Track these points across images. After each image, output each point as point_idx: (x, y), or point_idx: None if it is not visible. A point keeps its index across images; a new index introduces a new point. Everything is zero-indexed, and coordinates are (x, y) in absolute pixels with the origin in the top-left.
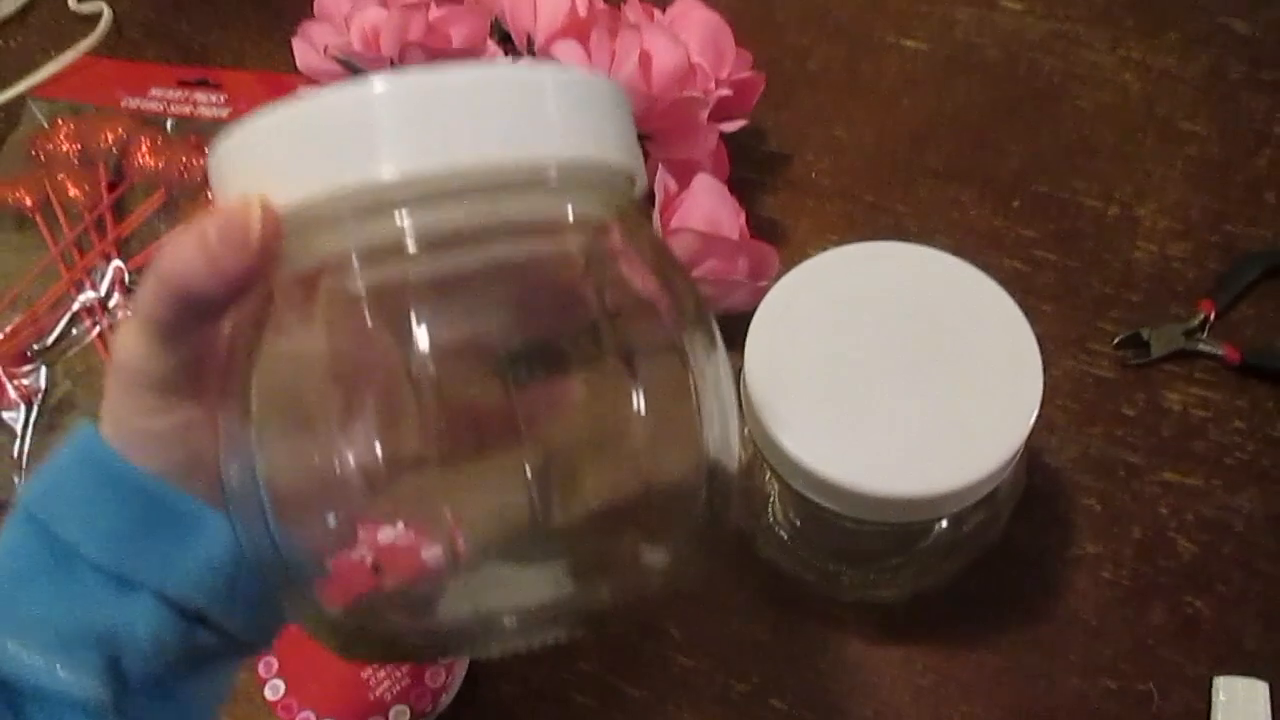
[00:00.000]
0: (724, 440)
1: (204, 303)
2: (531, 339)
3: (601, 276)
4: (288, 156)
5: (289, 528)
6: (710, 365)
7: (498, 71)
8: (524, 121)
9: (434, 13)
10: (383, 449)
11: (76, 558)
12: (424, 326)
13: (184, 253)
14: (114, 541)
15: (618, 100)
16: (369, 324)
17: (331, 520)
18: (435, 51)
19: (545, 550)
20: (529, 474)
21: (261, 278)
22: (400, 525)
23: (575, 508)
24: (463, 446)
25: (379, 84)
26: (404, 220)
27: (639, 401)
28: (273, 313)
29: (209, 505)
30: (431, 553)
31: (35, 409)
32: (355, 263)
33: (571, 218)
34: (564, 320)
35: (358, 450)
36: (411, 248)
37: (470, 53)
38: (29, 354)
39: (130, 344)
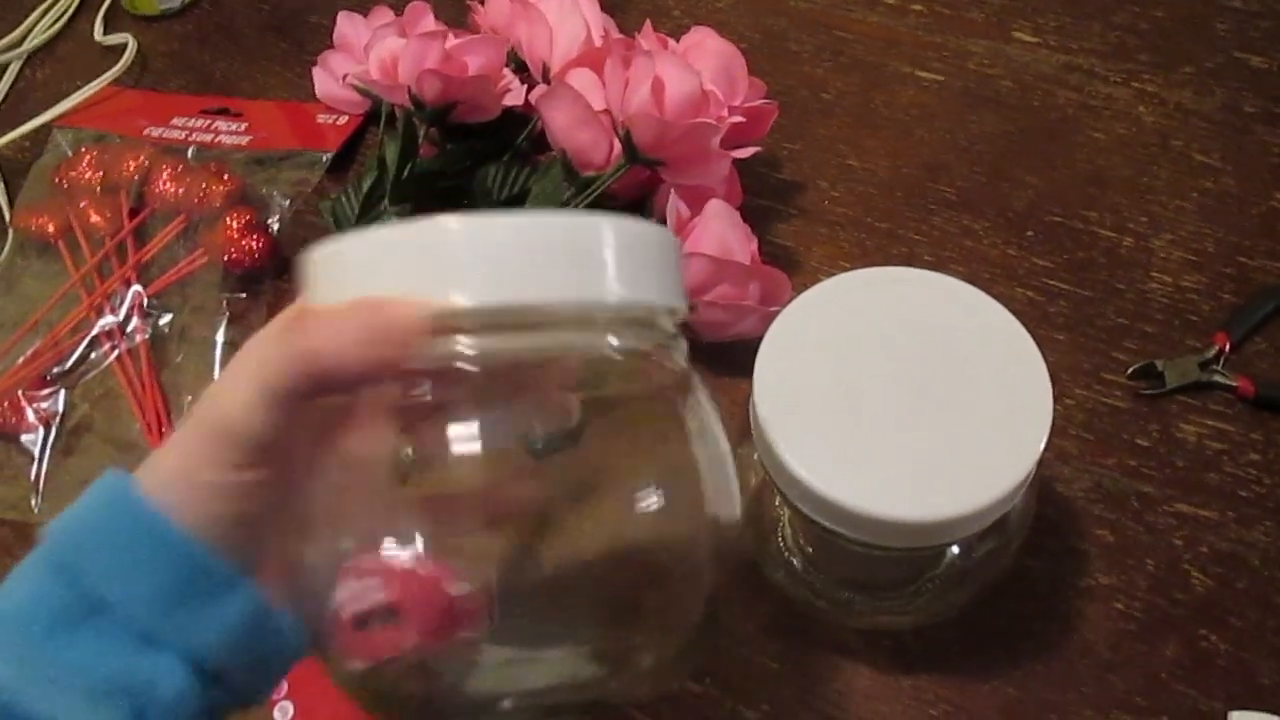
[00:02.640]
0: (723, 492)
1: (334, 384)
2: (557, 427)
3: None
4: (374, 274)
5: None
6: (696, 419)
7: (559, 220)
8: (579, 267)
9: (451, 42)
10: (432, 533)
11: (107, 612)
12: (473, 431)
13: (337, 334)
14: (148, 602)
15: (665, 246)
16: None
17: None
18: (452, 80)
19: (559, 631)
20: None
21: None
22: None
23: (586, 577)
24: (495, 523)
25: (457, 223)
26: (465, 343)
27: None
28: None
29: (240, 569)
30: (469, 623)
31: (53, 432)
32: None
33: (614, 349)
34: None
35: (402, 533)
36: (470, 366)
37: (486, 80)
38: (48, 378)
39: (239, 402)
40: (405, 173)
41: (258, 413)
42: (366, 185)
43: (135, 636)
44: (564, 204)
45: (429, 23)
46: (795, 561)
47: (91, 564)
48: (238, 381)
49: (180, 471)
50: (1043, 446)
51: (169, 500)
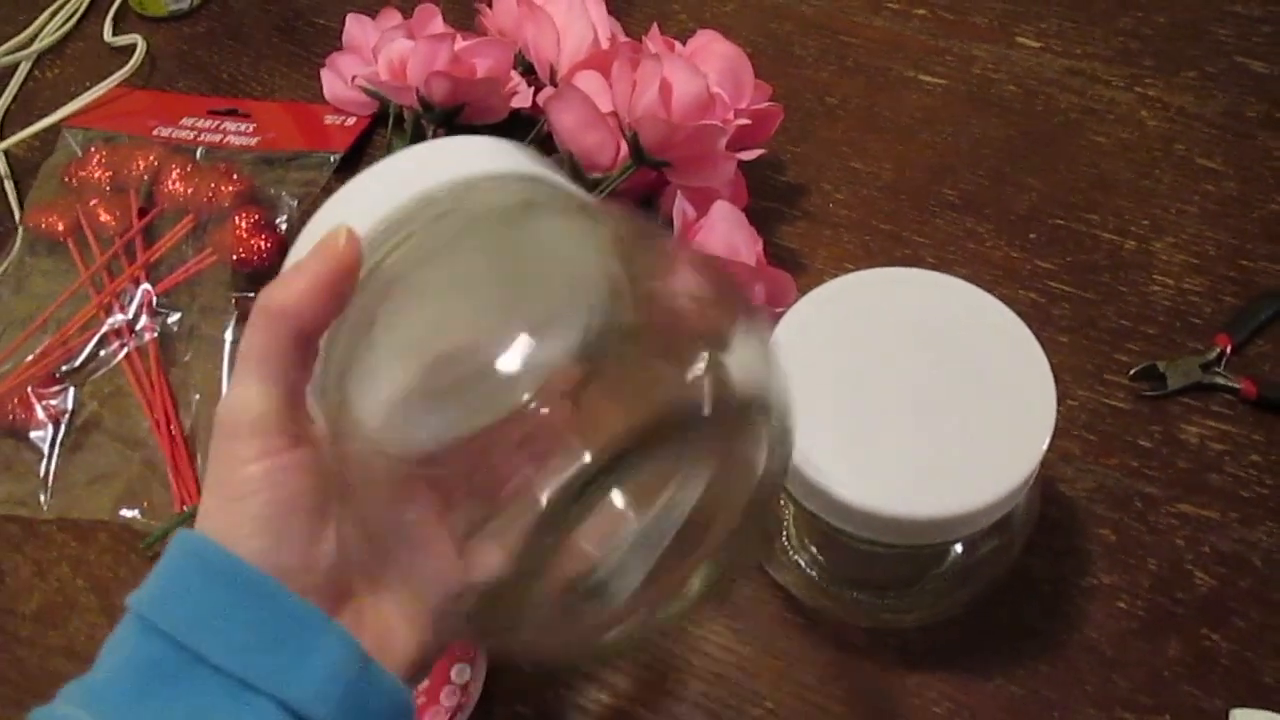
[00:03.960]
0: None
1: (308, 323)
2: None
3: None
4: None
5: None
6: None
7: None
8: None
9: (459, 44)
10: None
11: (201, 664)
12: None
13: (284, 283)
14: (240, 650)
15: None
16: None
17: None
18: (460, 81)
19: None
20: None
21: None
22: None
23: None
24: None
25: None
26: None
27: None
28: None
29: (327, 613)
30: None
31: (62, 429)
32: None
33: None
34: None
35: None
36: None
37: (494, 83)
38: (57, 375)
39: (244, 395)
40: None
41: (256, 392)
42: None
43: (233, 685)
44: None
45: (437, 25)
46: (800, 560)
47: (178, 618)
48: (236, 381)
49: (219, 488)
50: (1046, 446)
51: (235, 540)
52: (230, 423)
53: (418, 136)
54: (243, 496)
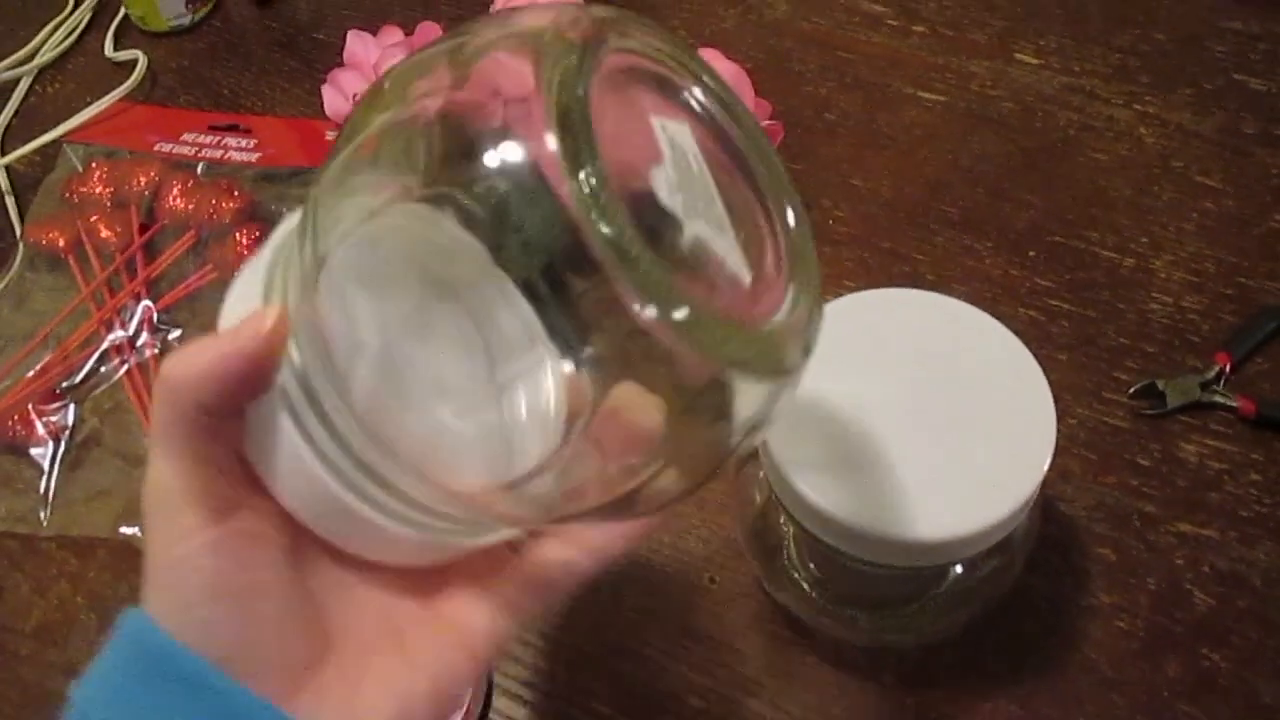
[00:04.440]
0: None
1: (210, 401)
2: None
3: None
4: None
5: None
6: None
7: None
8: None
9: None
10: None
11: None
12: None
13: (186, 355)
14: None
15: None
16: None
17: None
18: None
19: None
20: None
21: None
22: None
23: None
24: None
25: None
26: None
27: None
28: None
29: (283, 691)
30: None
31: (63, 445)
32: None
33: None
34: None
35: None
36: None
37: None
38: (58, 391)
39: (151, 469)
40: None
41: (175, 473)
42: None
43: None
44: None
45: None
46: (800, 579)
47: (118, 717)
48: (149, 457)
49: (161, 571)
50: (1046, 467)
51: (174, 619)
52: (148, 502)
53: None
54: (171, 581)
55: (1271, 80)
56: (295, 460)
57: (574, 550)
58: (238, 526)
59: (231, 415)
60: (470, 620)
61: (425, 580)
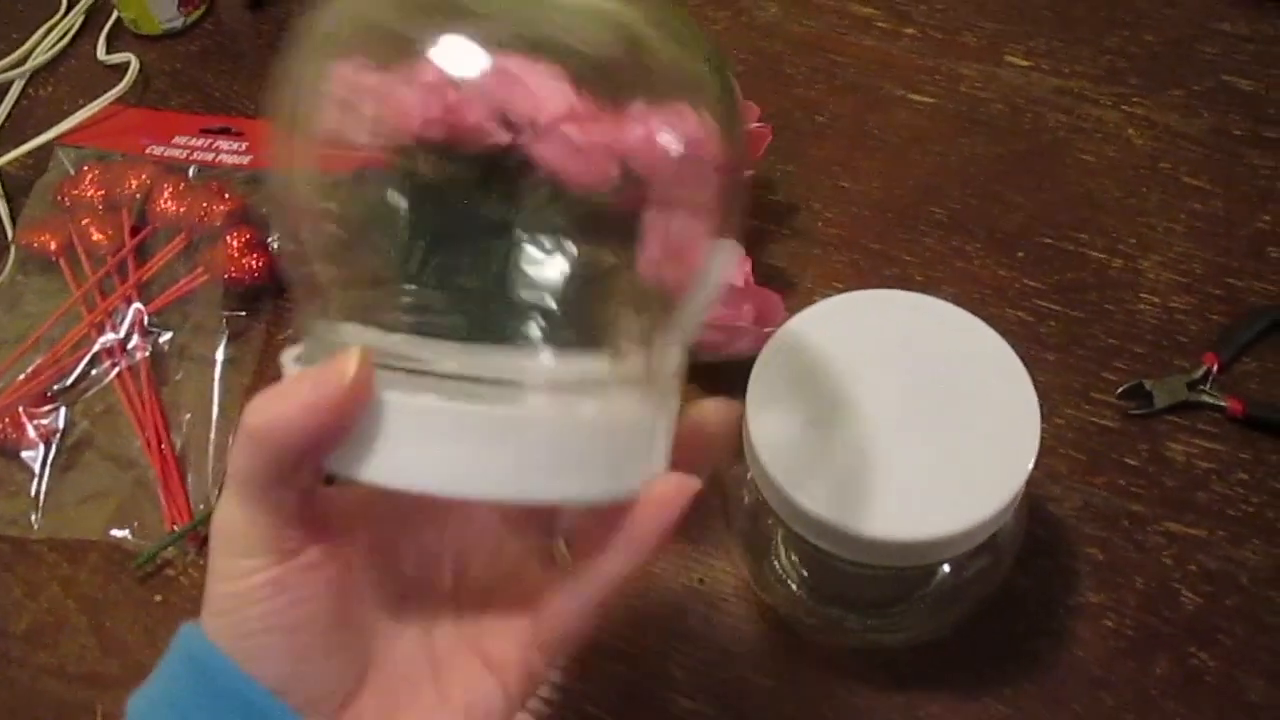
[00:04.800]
0: None
1: (292, 450)
2: None
3: None
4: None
5: None
6: None
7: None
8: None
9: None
10: None
11: None
12: None
13: (268, 402)
14: None
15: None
16: None
17: None
18: (452, 128)
19: None
20: None
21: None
22: None
23: None
24: None
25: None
26: None
27: None
28: None
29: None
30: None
31: (54, 448)
32: None
33: None
34: None
35: None
36: None
37: (481, 132)
38: (49, 394)
39: (224, 508)
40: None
41: (248, 520)
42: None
43: None
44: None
45: None
46: (789, 581)
47: None
48: (224, 495)
49: (219, 599)
50: (1031, 466)
51: (228, 638)
52: (217, 536)
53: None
54: (230, 609)
55: (1260, 81)
56: (427, 418)
57: (584, 590)
58: (297, 564)
59: (311, 464)
60: (504, 655)
61: (462, 614)
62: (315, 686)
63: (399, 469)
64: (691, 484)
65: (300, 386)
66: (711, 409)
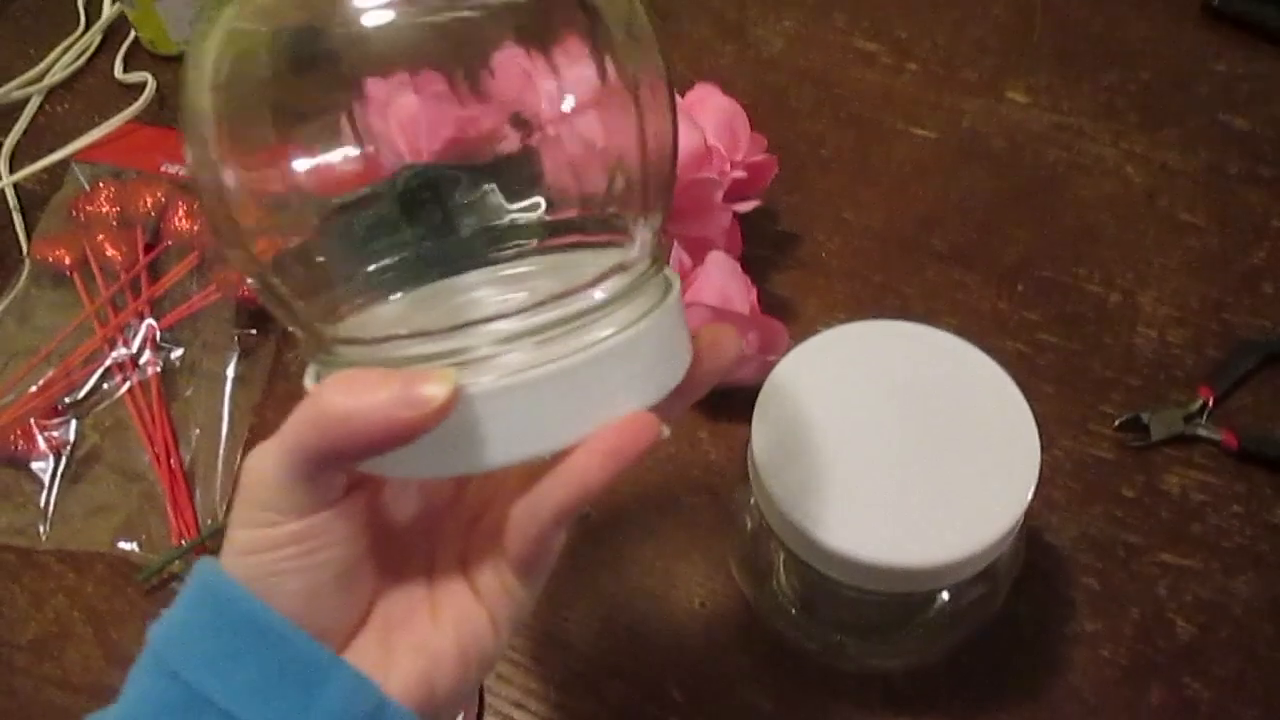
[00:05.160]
0: None
1: (358, 448)
2: None
3: None
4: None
5: None
6: None
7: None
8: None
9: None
10: None
11: (211, 707)
12: None
13: (356, 391)
14: (248, 694)
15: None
16: None
17: None
18: (462, 140)
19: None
20: None
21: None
22: None
23: None
24: None
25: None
26: None
27: None
28: None
29: (337, 654)
30: None
31: (63, 460)
32: None
33: None
34: None
35: None
36: None
37: (491, 139)
38: (60, 407)
39: (264, 468)
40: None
41: (278, 476)
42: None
43: None
44: None
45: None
46: (789, 604)
47: (189, 659)
48: (268, 444)
49: (238, 540)
50: (1030, 496)
51: (246, 572)
52: (252, 479)
53: None
54: (252, 547)
55: (1255, 120)
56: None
57: (537, 510)
58: (320, 518)
59: (363, 457)
60: (488, 583)
61: (454, 545)
62: (325, 621)
63: (488, 451)
64: (655, 429)
65: (389, 390)
66: (722, 330)
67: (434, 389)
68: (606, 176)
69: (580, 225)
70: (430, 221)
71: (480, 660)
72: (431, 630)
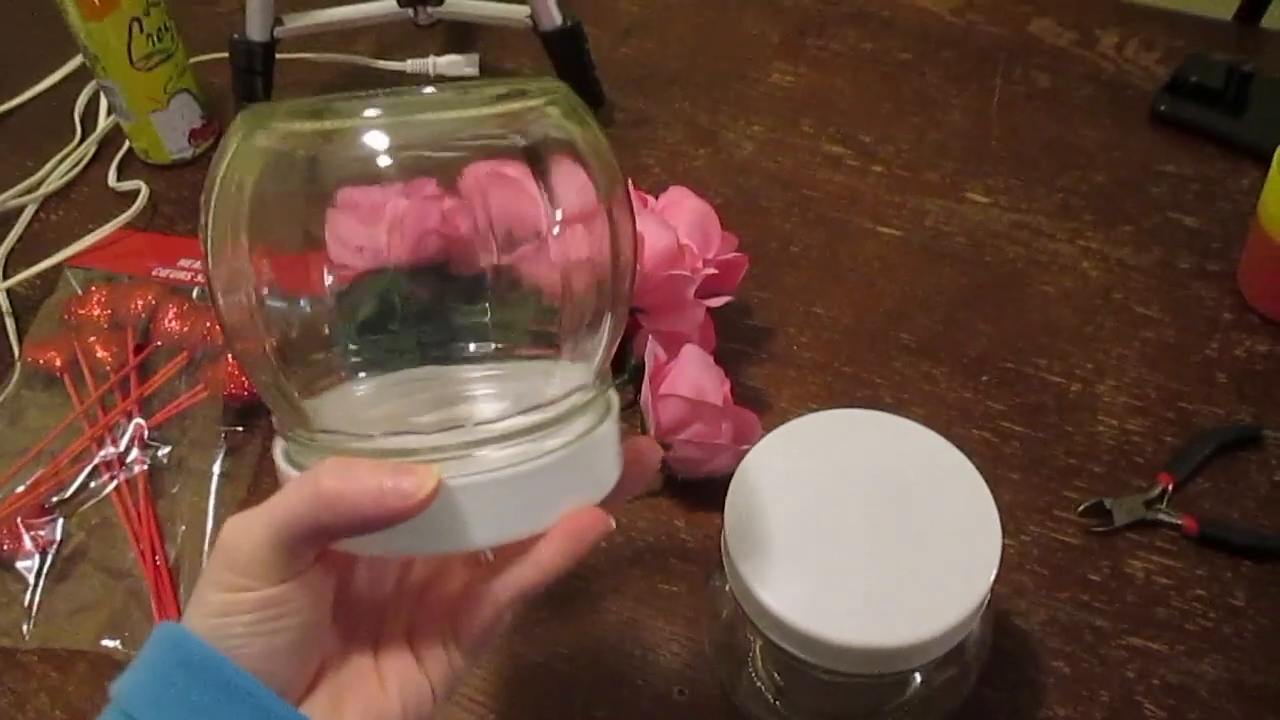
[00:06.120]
0: None
1: (344, 527)
2: None
3: None
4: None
5: None
6: None
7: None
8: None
9: (446, 204)
10: None
11: None
12: None
13: (351, 476)
14: None
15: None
16: None
17: None
18: (447, 237)
19: None
20: None
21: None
22: None
23: None
24: None
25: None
26: None
27: None
28: None
29: (300, 710)
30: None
31: (49, 559)
32: None
33: None
34: None
35: None
36: None
37: (472, 241)
38: (47, 506)
39: (250, 535)
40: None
41: (259, 542)
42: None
43: None
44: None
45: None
46: (766, 691)
47: (155, 716)
48: (252, 513)
49: (208, 602)
50: (993, 577)
51: (209, 635)
52: (231, 541)
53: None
54: (219, 610)
55: (1203, 218)
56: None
57: (498, 591)
58: (288, 586)
59: (346, 537)
60: (430, 652)
61: (401, 615)
62: (279, 683)
63: (462, 536)
64: (607, 522)
65: (380, 479)
66: (645, 442)
67: (420, 482)
68: (579, 298)
69: (547, 340)
70: (410, 319)
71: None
72: (379, 693)
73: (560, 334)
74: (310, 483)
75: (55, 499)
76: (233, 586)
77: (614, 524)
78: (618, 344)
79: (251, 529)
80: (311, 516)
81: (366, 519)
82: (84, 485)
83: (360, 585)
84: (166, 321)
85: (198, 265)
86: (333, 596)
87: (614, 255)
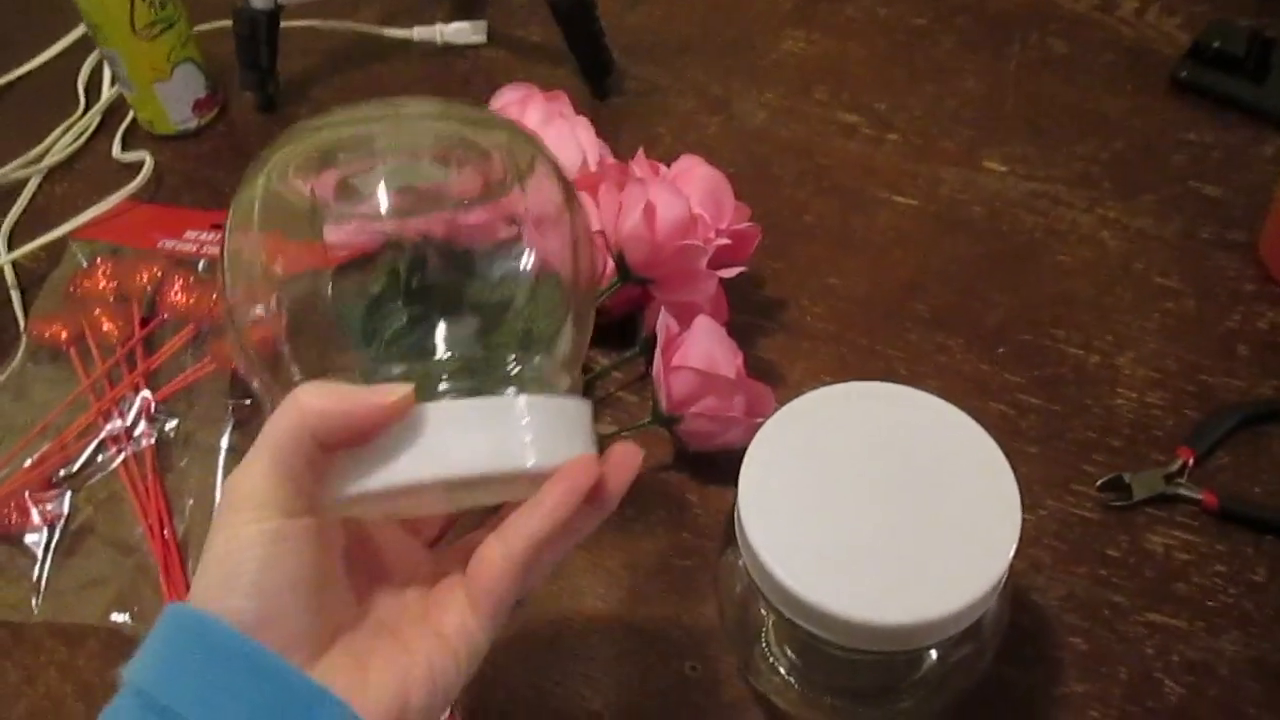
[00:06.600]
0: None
1: (324, 435)
2: None
3: None
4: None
5: None
6: None
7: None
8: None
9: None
10: None
11: None
12: None
13: (325, 391)
14: None
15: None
16: None
17: None
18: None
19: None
20: None
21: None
22: None
23: None
24: None
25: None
26: None
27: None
28: None
29: (325, 685)
30: None
31: (57, 533)
32: None
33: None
34: None
35: None
36: None
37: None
38: (54, 480)
39: (249, 466)
40: (414, 282)
41: (269, 477)
42: (375, 291)
43: None
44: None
45: None
46: (779, 667)
47: (181, 695)
48: (249, 457)
49: (217, 572)
50: (1012, 553)
51: (226, 606)
52: (234, 490)
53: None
54: (238, 560)
55: (1225, 187)
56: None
57: (508, 542)
58: (296, 522)
59: (331, 450)
60: (451, 623)
61: (423, 585)
62: (288, 631)
63: (447, 459)
64: (596, 467)
65: (352, 391)
66: (620, 448)
67: (393, 389)
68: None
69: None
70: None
71: (446, 688)
72: (401, 653)
73: (529, 340)
74: (291, 401)
75: (62, 473)
76: (240, 523)
77: (640, 453)
78: (582, 359)
79: (248, 466)
80: (298, 429)
81: (349, 420)
82: (91, 460)
83: (376, 552)
84: (173, 294)
85: (204, 238)
86: (342, 544)
87: (574, 262)
